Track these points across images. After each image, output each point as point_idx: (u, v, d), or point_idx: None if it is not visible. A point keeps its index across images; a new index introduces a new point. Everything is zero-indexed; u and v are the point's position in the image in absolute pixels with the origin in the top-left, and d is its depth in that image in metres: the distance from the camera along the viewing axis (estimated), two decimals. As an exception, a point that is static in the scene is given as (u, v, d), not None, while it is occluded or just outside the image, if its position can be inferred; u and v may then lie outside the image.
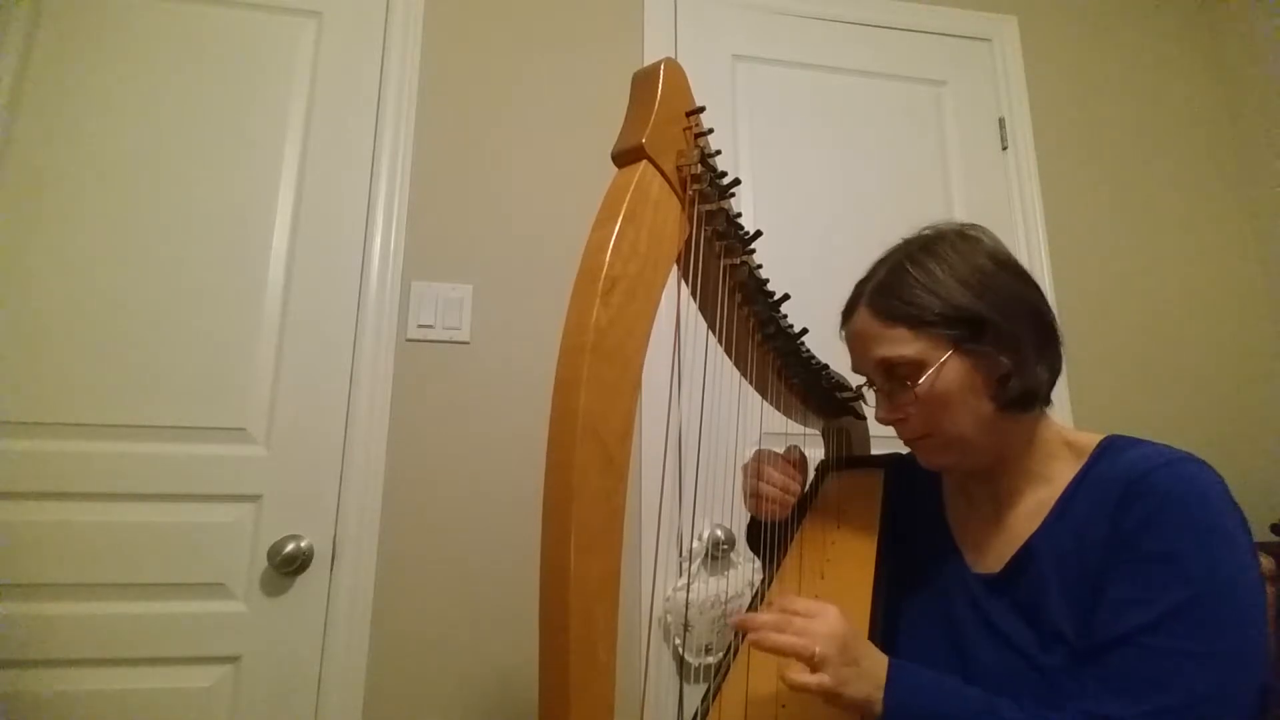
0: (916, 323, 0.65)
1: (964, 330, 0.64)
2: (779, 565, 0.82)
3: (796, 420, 0.90)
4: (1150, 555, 0.57)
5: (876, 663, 0.59)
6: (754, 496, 0.82)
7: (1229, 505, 0.58)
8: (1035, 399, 0.66)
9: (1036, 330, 0.66)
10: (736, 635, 0.75)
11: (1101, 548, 0.60)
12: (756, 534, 0.91)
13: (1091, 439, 0.68)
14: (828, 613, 0.59)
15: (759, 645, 0.58)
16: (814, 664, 0.56)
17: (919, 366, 0.65)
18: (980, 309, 0.64)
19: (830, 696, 0.56)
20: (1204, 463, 0.61)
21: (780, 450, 0.86)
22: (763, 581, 0.83)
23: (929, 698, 0.58)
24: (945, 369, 0.64)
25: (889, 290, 0.68)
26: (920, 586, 0.75)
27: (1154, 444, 0.64)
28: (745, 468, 0.85)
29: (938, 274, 0.66)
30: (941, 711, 0.57)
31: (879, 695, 0.57)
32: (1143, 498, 0.59)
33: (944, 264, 0.66)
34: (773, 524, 0.83)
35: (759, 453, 0.84)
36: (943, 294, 0.65)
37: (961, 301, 0.64)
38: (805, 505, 0.89)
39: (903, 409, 0.68)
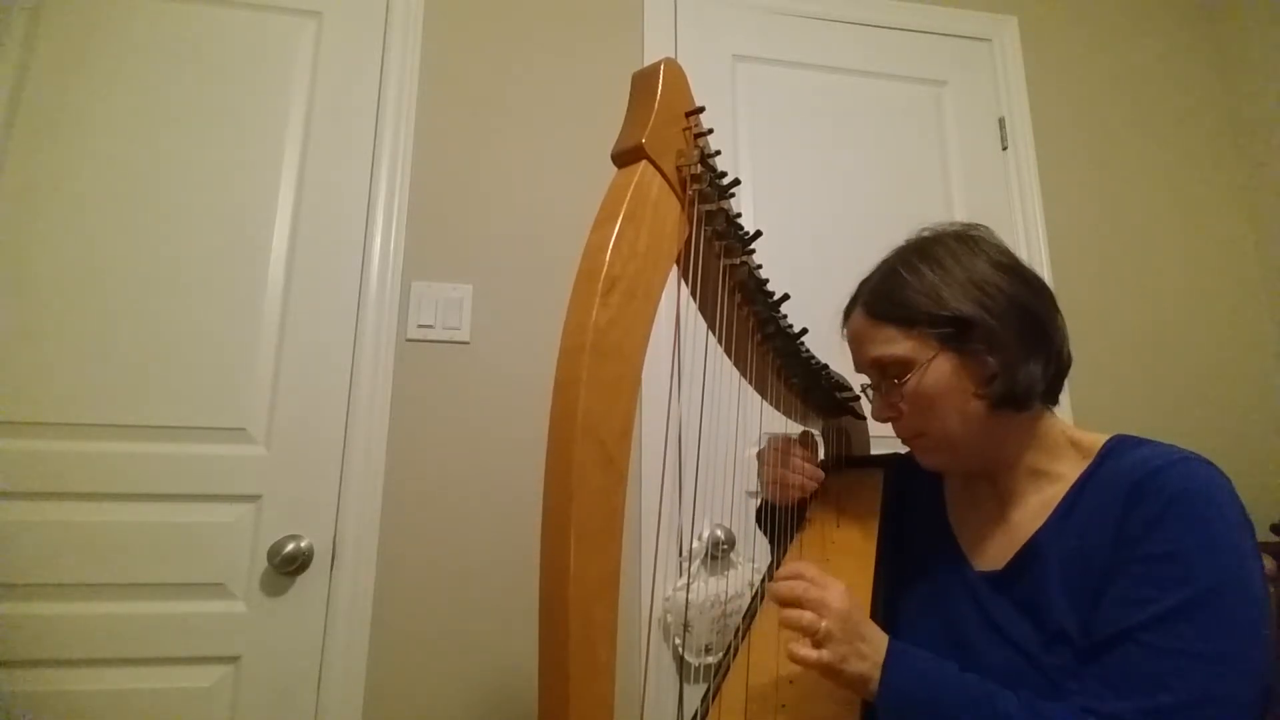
0: (905, 323, 0.67)
1: (951, 330, 0.65)
2: (779, 564, 0.82)
3: (796, 420, 0.90)
4: (1154, 554, 0.57)
5: (877, 643, 0.60)
6: (778, 484, 0.83)
7: (1235, 506, 0.58)
8: (1027, 398, 0.66)
9: (1028, 331, 0.66)
10: (736, 635, 0.75)
11: (1107, 546, 0.60)
12: (767, 515, 0.92)
13: (1098, 438, 0.68)
14: (836, 587, 0.60)
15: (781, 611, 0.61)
16: (818, 639, 0.58)
17: (907, 365, 0.67)
18: (968, 310, 0.65)
19: (829, 673, 0.58)
20: (1211, 463, 0.61)
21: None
22: (763, 580, 0.83)
23: (926, 681, 0.59)
24: (932, 368, 0.66)
25: (882, 292, 0.70)
26: (921, 586, 0.75)
27: (1161, 444, 0.64)
28: (760, 454, 0.86)
29: (929, 276, 0.67)
30: (937, 695, 0.58)
31: (876, 674, 0.58)
32: (1149, 496, 0.59)
33: (937, 267, 0.68)
34: (787, 506, 0.84)
35: (775, 438, 0.85)
36: (932, 295, 0.66)
37: (949, 302, 0.65)
38: (805, 504, 0.89)
39: (894, 407, 0.70)
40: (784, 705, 0.65)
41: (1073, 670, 0.59)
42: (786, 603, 0.60)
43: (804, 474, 0.82)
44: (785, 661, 0.62)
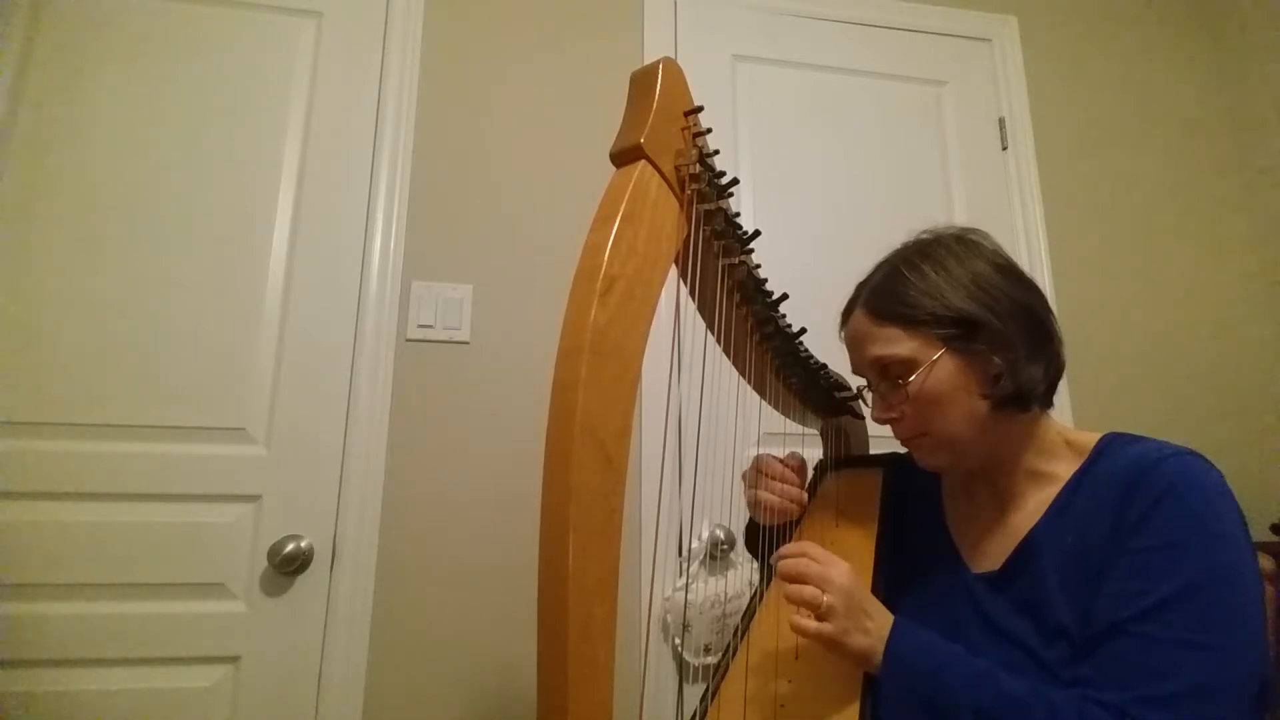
0: (909, 322, 0.67)
1: (956, 330, 0.65)
2: (769, 583, 0.81)
3: (795, 420, 0.90)
4: (1149, 546, 0.58)
5: (881, 620, 0.62)
6: (756, 505, 0.81)
7: (1228, 499, 0.59)
8: (1030, 398, 0.66)
9: (1030, 331, 0.66)
10: (736, 635, 0.75)
11: (1103, 541, 0.61)
12: (755, 537, 0.91)
13: (1092, 437, 0.68)
14: (840, 565, 0.62)
15: (784, 584, 0.62)
16: (821, 614, 0.59)
17: (911, 365, 0.66)
18: (972, 310, 0.65)
19: (831, 645, 0.60)
20: (1204, 457, 0.62)
21: (778, 453, 0.85)
22: (761, 581, 0.83)
23: (930, 657, 0.60)
24: (937, 368, 0.66)
25: (884, 292, 0.70)
26: (919, 588, 0.75)
27: (1155, 440, 0.65)
28: (745, 476, 0.85)
29: (932, 276, 0.67)
30: (941, 672, 0.59)
31: (880, 648, 0.60)
32: (1143, 490, 0.60)
33: (939, 267, 0.67)
34: (773, 527, 0.83)
35: (759, 459, 0.84)
36: (936, 295, 0.66)
37: (954, 302, 0.65)
38: (790, 526, 0.88)
39: (896, 408, 0.69)
40: (783, 705, 0.65)
41: (1072, 664, 0.59)
42: (790, 578, 0.61)
43: (778, 495, 0.79)
44: (785, 661, 0.62)
